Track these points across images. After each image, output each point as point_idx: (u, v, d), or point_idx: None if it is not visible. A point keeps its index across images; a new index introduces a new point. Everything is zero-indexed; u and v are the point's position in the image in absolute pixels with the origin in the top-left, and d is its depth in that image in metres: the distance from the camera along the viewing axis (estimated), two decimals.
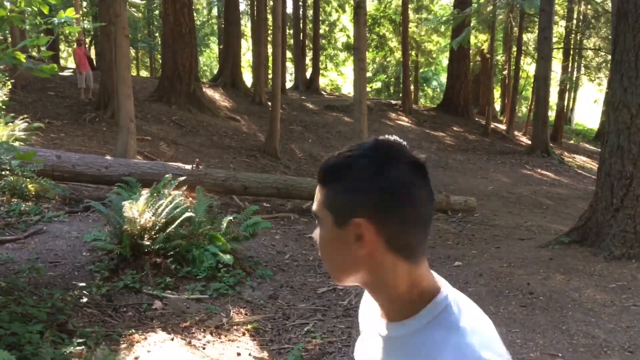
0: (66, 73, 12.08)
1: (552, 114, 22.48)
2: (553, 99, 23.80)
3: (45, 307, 4.11)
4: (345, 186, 0.92)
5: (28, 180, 6.55)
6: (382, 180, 0.90)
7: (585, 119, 34.64)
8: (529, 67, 26.39)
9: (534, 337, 4.29)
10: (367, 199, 0.91)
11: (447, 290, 0.97)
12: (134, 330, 4.25)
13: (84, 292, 4.63)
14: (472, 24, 18.53)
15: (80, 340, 3.79)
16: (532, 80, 21.51)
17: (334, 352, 4.17)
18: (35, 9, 3.17)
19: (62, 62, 27.60)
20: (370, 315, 1.06)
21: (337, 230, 0.94)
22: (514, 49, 21.94)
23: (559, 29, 22.83)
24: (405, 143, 0.95)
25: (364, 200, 0.91)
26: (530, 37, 23.62)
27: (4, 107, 7.57)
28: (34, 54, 13.60)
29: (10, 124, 8.26)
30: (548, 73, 16.73)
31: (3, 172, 6.38)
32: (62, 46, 27.61)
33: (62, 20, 3.87)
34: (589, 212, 6.61)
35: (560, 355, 3.96)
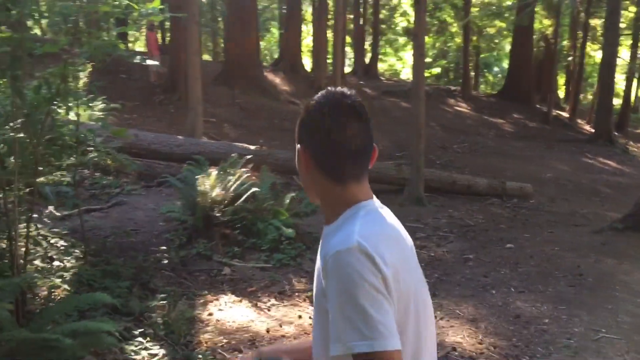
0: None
1: (619, 102, 21.83)
2: (621, 86, 23.08)
3: (131, 267, 4.65)
4: (299, 122, 1.31)
5: (110, 156, 7.14)
6: (315, 121, 1.26)
7: None
8: (595, 53, 25.61)
9: (579, 314, 4.50)
10: (304, 132, 1.28)
11: (370, 203, 1.27)
12: (206, 292, 4.73)
13: (164, 255, 5.15)
14: (535, 3, 18.20)
15: (162, 296, 4.30)
16: (599, 67, 20.93)
17: None
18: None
19: (130, 45, 28.75)
20: None
21: (296, 153, 1.31)
22: (580, 34, 21.36)
23: (628, 14, 22.03)
24: (350, 91, 1.30)
25: (302, 133, 1.29)
26: (597, 23, 22.91)
27: (85, 88, 8.20)
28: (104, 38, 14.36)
29: (90, 104, 8.93)
30: (614, 60, 16.31)
31: (88, 149, 7.00)
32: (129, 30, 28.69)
33: (149, 11, 4.31)
34: None
35: (603, 330, 4.17)
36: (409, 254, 1.28)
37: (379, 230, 1.21)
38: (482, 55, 30.67)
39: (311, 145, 1.27)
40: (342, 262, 1.12)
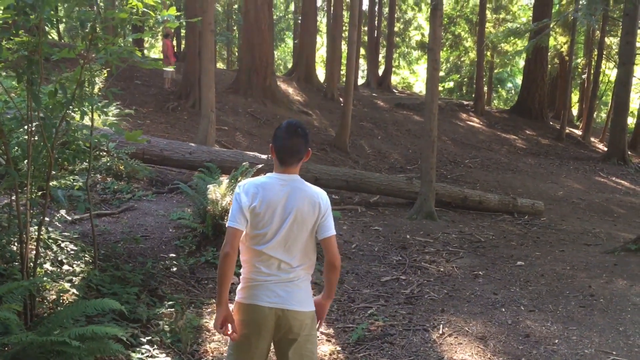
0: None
1: (633, 121, 21.66)
2: (635, 105, 22.90)
3: (139, 273, 4.64)
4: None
5: (122, 161, 7.19)
6: (275, 132, 2.47)
7: None
8: (610, 71, 25.47)
9: (590, 335, 4.43)
10: (273, 137, 2.46)
11: (273, 174, 2.44)
12: (214, 300, 4.71)
13: (173, 262, 5.15)
14: (551, 26, 18.16)
15: (169, 304, 4.28)
16: (613, 85, 20.76)
17: (394, 334, 4.47)
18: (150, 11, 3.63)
19: (145, 52, 28.98)
20: None
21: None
22: (596, 52, 21.24)
23: None
24: (294, 121, 2.49)
25: (273, 137, 2.47)
26: (613, 41, 22.80)
27: (100, 94, 8.27)
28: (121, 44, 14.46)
29: (105, 109, 8.99)
30: (629, 79, 16.22)
31: (100, 154, 7.04)
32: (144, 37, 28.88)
33: (165, 18, 4.33)
34: None
35: (614, 353, 4.10)
36: (274, 200, 2.37)
37: (257, 182, 2.41)
38: (495, 71, 30.62)
39: (273, 144, 2.45)
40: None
